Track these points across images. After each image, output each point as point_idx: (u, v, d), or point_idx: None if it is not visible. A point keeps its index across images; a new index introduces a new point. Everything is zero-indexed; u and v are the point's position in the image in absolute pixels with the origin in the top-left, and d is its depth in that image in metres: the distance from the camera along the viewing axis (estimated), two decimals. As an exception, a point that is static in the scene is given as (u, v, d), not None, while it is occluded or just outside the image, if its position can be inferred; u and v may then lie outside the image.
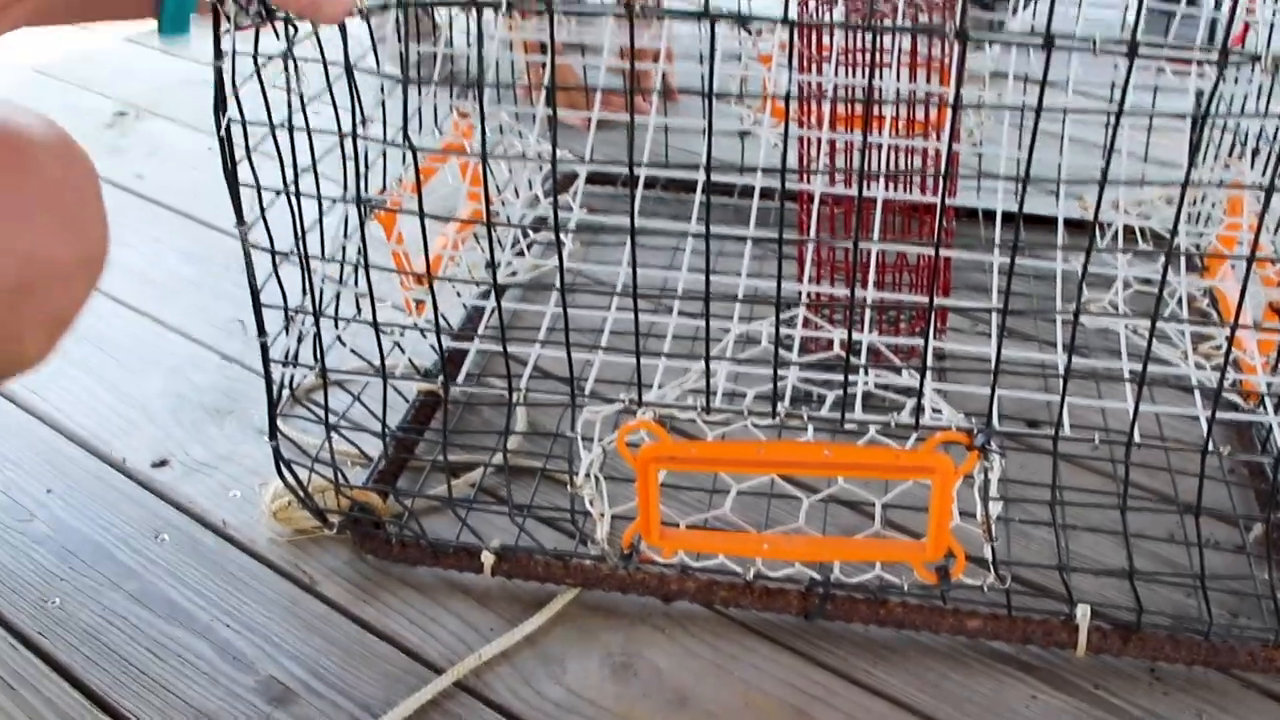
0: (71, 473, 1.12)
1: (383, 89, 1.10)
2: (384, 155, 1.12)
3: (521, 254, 1.33)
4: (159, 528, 1.06)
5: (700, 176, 0.85)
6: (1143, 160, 1.38)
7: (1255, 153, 1.25)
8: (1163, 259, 0.82)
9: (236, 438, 1.17)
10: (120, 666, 0.93)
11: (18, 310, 0.71)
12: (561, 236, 0.93)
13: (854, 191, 1.10)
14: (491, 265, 0.84)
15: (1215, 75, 0.77)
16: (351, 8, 0.79)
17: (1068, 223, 1.17)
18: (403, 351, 1.12)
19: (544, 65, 1.59)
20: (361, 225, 0.94)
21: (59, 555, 1.03)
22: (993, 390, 0.87)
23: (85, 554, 1.03)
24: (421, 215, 0.87)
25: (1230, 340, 0.82)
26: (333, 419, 1.03)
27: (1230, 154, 1.30)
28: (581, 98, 1.73)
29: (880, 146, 1.12)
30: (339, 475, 1.00)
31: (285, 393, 1.01)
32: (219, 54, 0.83)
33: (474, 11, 1.26)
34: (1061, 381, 0.87)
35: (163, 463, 1.14)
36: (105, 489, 1.11)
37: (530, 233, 1.38)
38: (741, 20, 0.81)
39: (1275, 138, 0.86)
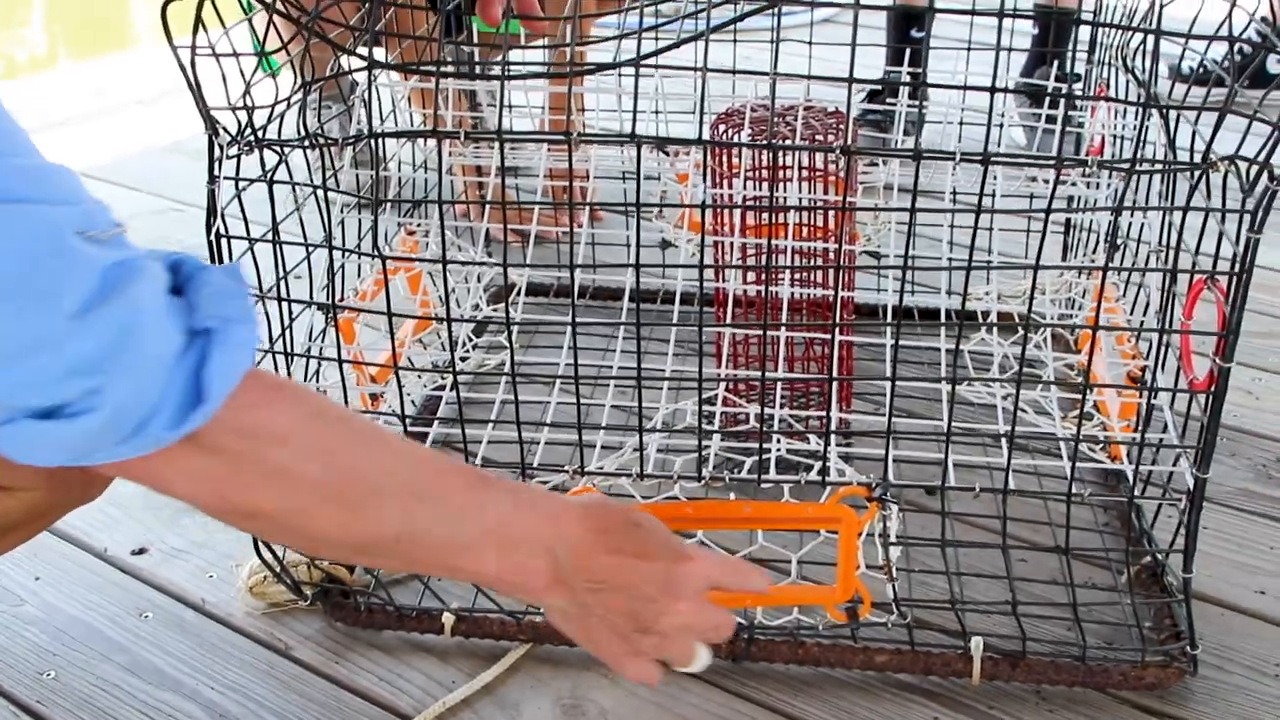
0: (57, 562, 1.22)
1: (343, 209, 1.24)
2: (343, 270, 1.25)
3: (466, 357, 1.46)
4: (143, 607, 1.16)
5: (629, 278, 0.99)
6: (1028, 263, 1.55)
7: (1117, 247, 1.42)
8: (1024, 331, 0.97)
9: (210, 527, 1.27)
10: (116, 727, 1.02)
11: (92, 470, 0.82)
12: (508, 332, 1.06)
13: (762, 287, 1.25)
14: (451, 351, 0.97)
15: (1060, 178, 0.93)
16: None
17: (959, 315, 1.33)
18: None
19: (479, 185, 1.74)
20: (337, 323, 1.07)
21: (50, 634, 1.12)
22: (886, 449, 1.01)
23: (75, 631, 1.13)
24: (389, 311, 1.00)
25: (1084, 391, 0.97)
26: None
27: (1094, 250, 1.48)
28: (514, 216, 1.88)
29: (785, 250, 1.28)
30: (311, 550, 1.11)
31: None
32: (212, 179, 0.97)
33: (421, 141, 1.41)
34: (945, 441, 1.02)
35: (142, 550, 1.24)
36: (90, 575, 1.20)
37: (473, 336, 1.51)
38: (660, 144, 0.96)
39: (1111, 229, 1.02)
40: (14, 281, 0.59)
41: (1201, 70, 1.79)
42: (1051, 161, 0.91)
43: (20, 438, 0.63)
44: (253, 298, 0.72)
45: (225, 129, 0.97)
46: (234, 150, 0.98)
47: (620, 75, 1.37)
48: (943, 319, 1.25)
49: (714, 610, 0.83)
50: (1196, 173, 0.92)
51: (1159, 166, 1.00)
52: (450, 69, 1.32)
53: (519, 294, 1.41)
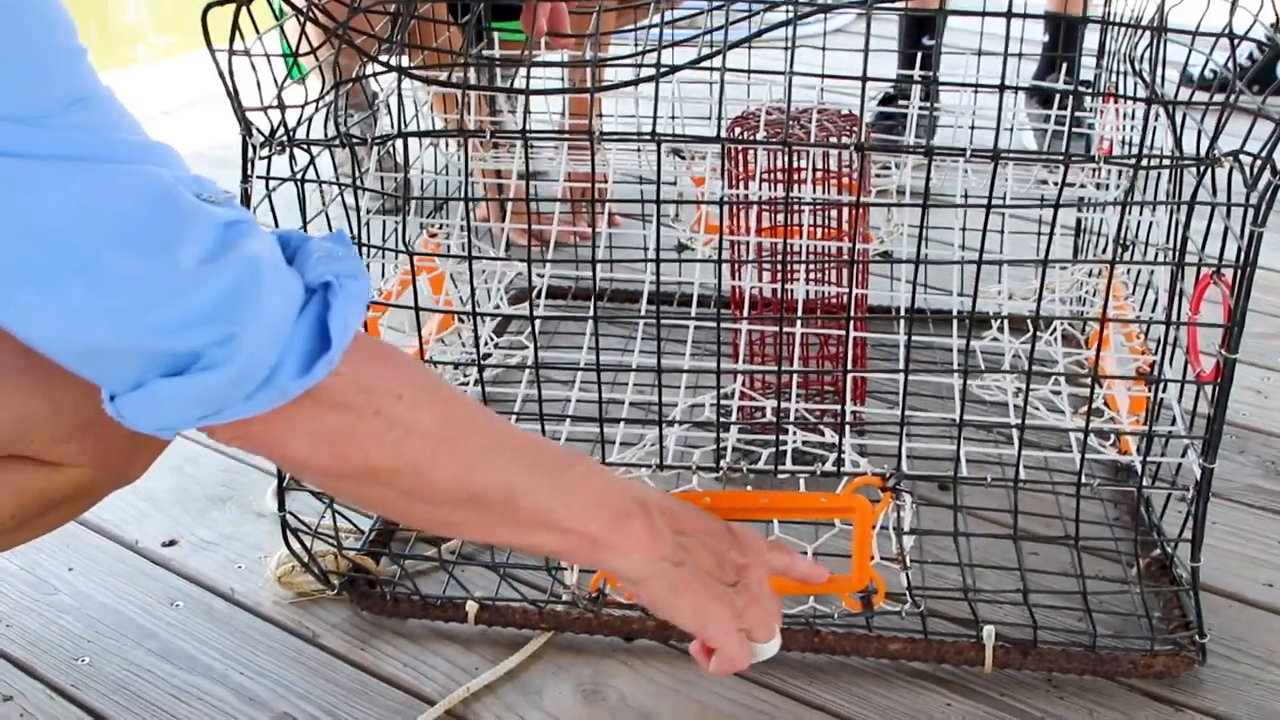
0: (90, 553, 1.25)
1: (367, 212, 1.27)
2: (368, 270, 1.28)
3: (488, 354, 1.49)
4: (173, 596, 1.19)
5: (646, 279, 1.02)
6: (1036, 259, 1.58)
7: (1124, 247, 1.45)
8: (1034, 325, 1.00)
9: (237, 520, 1.30)
10: (150, 710, 1.05)
11: (137, 447, 0.84)
12: (531, 326, 1.09)
13: (778, 285, 1.28)
14: (477, 343, 1.00)
15: (1069, 177, 0.96)
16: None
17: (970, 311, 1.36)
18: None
19: (499, 189, 1.78)
20: (365, 321, 1.09)
21: (84, 621, 1.15)
22: (900, 440, 1.04)
23: (108, 619, 1.16)
24: (416, 306, 1.03)
25: (1093, 385, 0.99)
26: (326, 498, 1.16)
27: (1104, 252, 1.50)
28: (534, 220, 1.91)
29: (800, 250, 1.31)
30: (339, 542, 1.14)
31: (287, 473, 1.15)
32: (245, 178, 1.00)
33: (443, 146, 1.44)
34: (957, 433, 1.04)
35: (172, 543, 1.27)
36: (121, 566, 1.23)
37: (495, 335, 1.54)
38: (679, 142, 0.99)
39: (1119, 226, 1.04)
40: (139, 233, 0.62)
41: (1210, 75, 1.82)
42: (1059, 159, 0.94)
43: (151, 400, 0.65)
44: (361, 261, 0.74)
45: (259, 130, 1.00)
46: (266, 150, 1.01)
47: (639, 80, 1.39)
48: (955, 315, 1.28)
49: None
50: (1201, 168, 0.94)
51: (1163, 161, 1.02)
52: (474, 78, 1.36)
53: (539, 296, 1.44)
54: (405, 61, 1.41)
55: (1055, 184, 1.46)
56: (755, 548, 0.90)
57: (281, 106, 0.99)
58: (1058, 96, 1.52)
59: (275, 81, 0.98)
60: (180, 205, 0.64)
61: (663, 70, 0.91)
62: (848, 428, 1.07)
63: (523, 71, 1.26)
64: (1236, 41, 0.93)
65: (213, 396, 0.66)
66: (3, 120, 0.59)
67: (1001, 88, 0.88)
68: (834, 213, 1.29)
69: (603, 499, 0.82)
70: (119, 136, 0.64)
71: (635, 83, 0.95)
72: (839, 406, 1.12)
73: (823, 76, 1.00)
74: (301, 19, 0.98)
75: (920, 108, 1.49)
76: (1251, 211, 0.91)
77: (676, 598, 0.84)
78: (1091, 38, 1.65)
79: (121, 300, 0.62)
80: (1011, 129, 1.72)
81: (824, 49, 1.53)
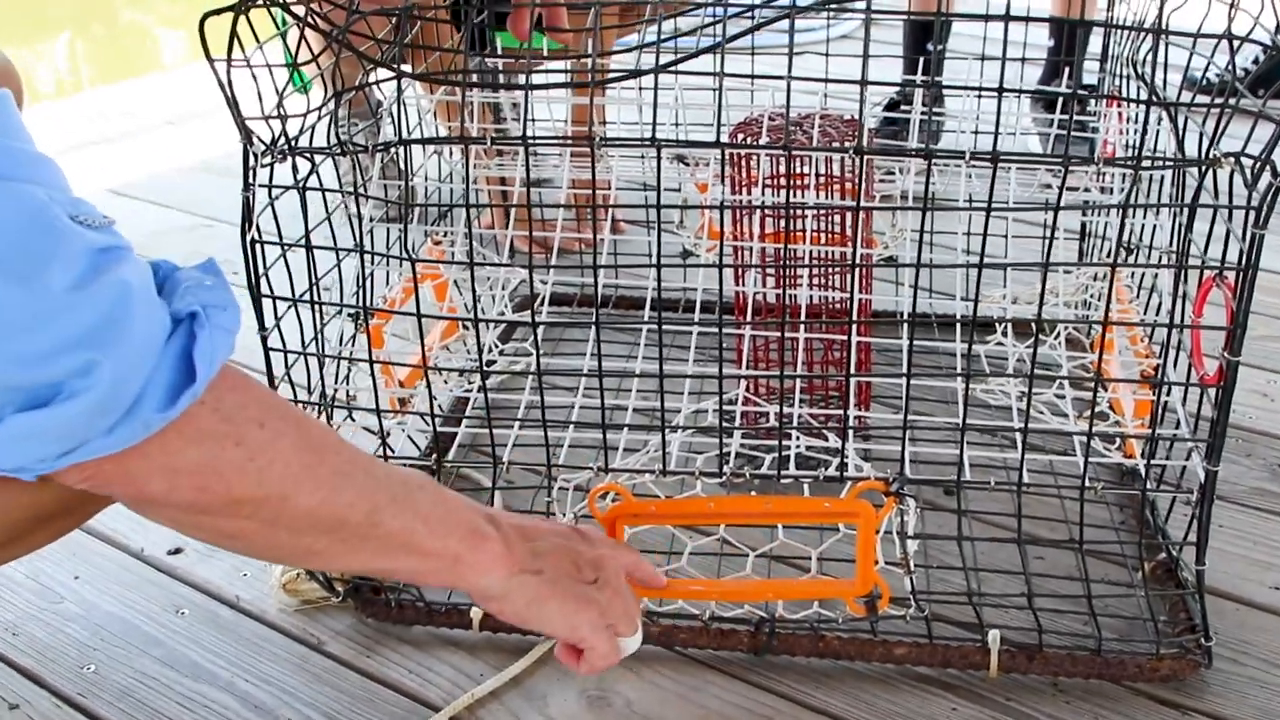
0: (95, 561, 1.25)
1: (371, 220, 1.27)
2: (371, 278, 1.28)
3: (492, 361, 1.49)
4: (179, 604, 1.19)
5: (650, 286, 1.02)
6: (1039, 262, 1.58)
7: (1128, 250, 1.44)
8: (1036, 328, 1.00)
9: (243, 527, 1.30)
10: (156, 718, 1.05)
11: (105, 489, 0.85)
12: (534, 334, 1.09)
13: (781, 291, 1.28)
14: (479, 350, 1.00)
15: (1067, 178, 0.96)
16: None
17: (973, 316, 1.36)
18: (403, 431, 1.27)
19: (503, 196, 1.78)
20: (368, 325, 1.10)
21: (90, 629, 1.16)
22: (903, 444, 1.04)
23: (114, 627, 1.16)
24: (419, 313, 1.03)
25: (1096, 387, 0.99)
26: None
27: (1107, 256, 1.50)
28: (537, 227, 1.92)
29: (802, 255, 1.31)
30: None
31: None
32: (246, 185, 1.00)
33: (446, 153, 1.45)
34: (960, 437, 1.04)
35: (177, 550, 1.27)
36: (127, 574, 1.23)
37: (499, 343, 1.54)
38: (681, 147, 0.99)
39: (1120, 228, 1.04)
40: (8, 256, 0.60)
41: (1214, 78, 1.81)
42: (1058, 161, 0.94)
43: (7, 437, 0.62)
44: (232, 290, 0.73)
45: (260, 138, 1.00)
46: (268, 159, 1.01)
47: (640, 87, 1.40)
48: (958, 319, 1.28)
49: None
50: (1202, 170, 0.94)
51: (1165, 163, 1.02)
52: (475, 81, 1.36)
53: (543, 302, 1.44)
54: (406, 68, 1.41)
55: (1059, 188, 1.46)
56: (604, 542, 0.92)
57: (283, 115, 0.99)
58: (1061, 101, 1.51)
59: (276, 90, 0.99)
60: (53, 227, 0.62)
61: (660, 66, 0.91)
62: (851, 432, 1.07)
63: (522, 77, 1.27)
64: (1237, 44, 0.92)
65: (73, 429, 0.63)
66: None
67: (1000, 91, 0.88)
68: (837, 218, 1.29)
69: (457, 518, 0.83)
70: (5, 142, 0.62)
71: (634, 74, 0.95)
72: (842, 411, 1.12)
73: (824, 81, 1.00)
74: (301, 26, 0.99)
75: (923, 113, 1.49)
76: (1253, 214, 0.91)
77: (542, 606, 0.86)
78: (1095, 42, 1.65)
79: None
80: (1016, 133, 1.72)
81: (827, 55, 1.53)
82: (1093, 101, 1.56)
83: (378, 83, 1.16)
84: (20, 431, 0.62)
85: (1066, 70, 1.92)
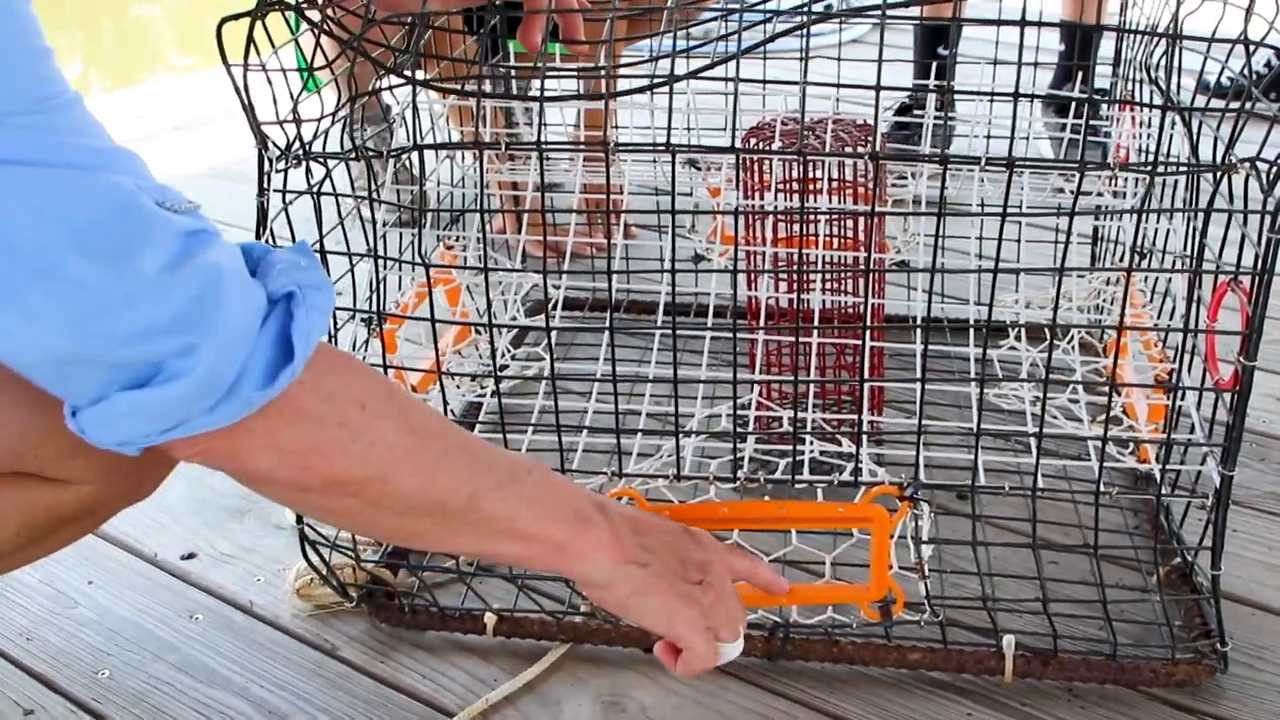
0: (109, 566, 1.25)
1: (383, 225, 1.27)
2: (383, 283, 1.28)
3: (505, 366, 1.50)
4: (193, 609, 1.19)
5: (662, 291, 1.02)
6: (1053, 267, 1.58)
7: (1141, 255, 1.44)
8: (1051, 333, 0.99)
9: (257, 532, 1.30)
10: (169, 723, 1.05)
11: (145, 462, 0.84)
12: (548, 338, 1.09)
13: (794, 295, 1.28)
14: (493, 354, 1.00)
15: (1083, 183, 0.96)
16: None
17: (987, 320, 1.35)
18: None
19: (515, 201, 1.78)
20: (382, 332, 1.10)
21: (104, 635, 1.16)
22: (918, 448, 1.04)
23: (128, 632, 1.16)
24: (433, 318, 1.03)
25: (1110, 392, 0.99)
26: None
27: (1121, 261, 1.50)
28: (550, 232, 1.92)
29: (815, 260, 1.31)
30: (358, 554, 1.14)
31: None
32: (261, 191, 1.01)
33: (459, 158, 1.45)
34: (974, 440, 1.04)
35: (191, 555, 1.27)
36: (141, 579, 1.24)
37: (511, 348, 1.55)
38: (694, 152, 0.99)
39: (1135, 234, 1.04)
40: (100, 240, 0.62)
41: (1227, 82, 1.81)
42: (1074, 166, 0.94)
43: (112, 413, 0.65)
44: (325, 271, 0.74)
45: (274, 143, 1.00)
46: (283, 164, 1.01)
47: (653, 93, 1.40)
48: (972, 324, 1.28)
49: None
50: (1217, 175, 0.94)
51: (1180, 168, 1.02)
52: (489, 89, 1.36)
53: (555, 307, 1.44)
54: (421, 74, 1.41)
55: (1070, 192, 1.46)
56: (715, 546, 0.90)
57: (297, 120, 0.99)
58: (1074, 105, 1.51)
59: (291, 95, 0.99)
60: (142, 213, 0.63)
61: (676, 76, 0.91)
62: (865, 437, 1.06)
63: (536, 83, 1.27)
64: (1252, 48, 0.92)
65: (175, 409, 0.65)
66: None
67: (1016, 96, 0.88)
68: (850, 222, 1.29)
69: (564, 504, 0.82)
70: (82, 141, 0.63)
71: (650, 88, 0.95)
72: (856, 416, 1.12)
73: (837, 86, 1.00)
74: (316, 32, 0.99)
75: (935, 117, 1.49)
76: (1268, 218, 0.91)
77: (644, 599, 0.84)
78: (1107, 46, 1.65)
79: (81, 306, 0.61)
80: (1028, 138, 1.72)
81: (839, 59, 1.53)
82: (1104, 106, 1.56)
83: (391, 88, 1.16)
84: (125, 409, 0.64)
85: (1079, 75, 1.92)
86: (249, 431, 0.69)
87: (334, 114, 1.06)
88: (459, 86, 1.14)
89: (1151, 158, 1.37)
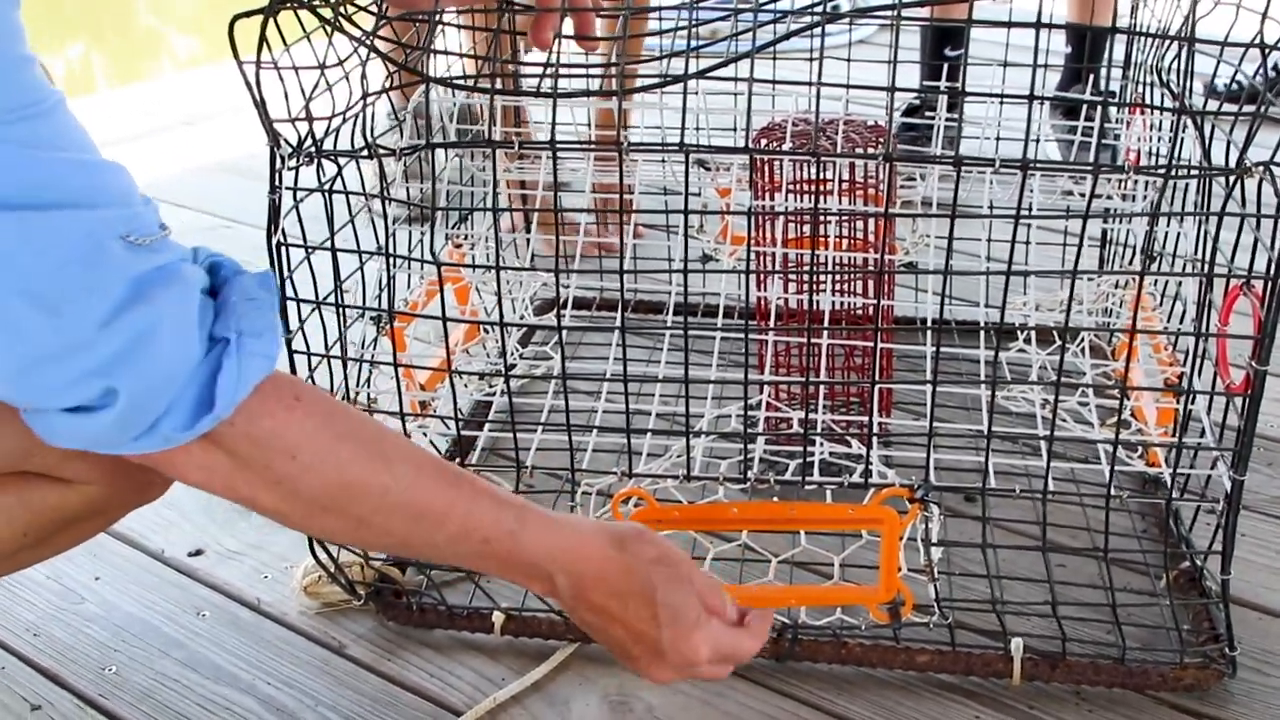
0: (116, 563, 1.25)
1: (393, 222, 1.27)
2: (393, 281, 1.28)
3: (513, 364, 1.49)
4: (199, 606, 1.19)
5: (672, 290, 1.01)
6: (1067, 270, 1.57)
7: (1152, 258, 1.44)
8: (1064, 336, 0.99)
9: (263, 530, 1.30)
10: (177, 720, 1.05)
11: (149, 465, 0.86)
12: (559, 335, 1.09)
13: (805, 296, 1.28)
14: (504, 352, 1.00)
15: (1097, 186, 0.96)
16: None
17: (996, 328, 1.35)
18: (424, 434, 1.27)
19: (524, 200, 1.78)
20: (392, 330, 1.10)
21: (111, 631, 1.16)
22: (928, 451, 1.04)
23: (135, 629, 1.16)
24: (444, 316, 1.03)
25: (1121, 396, 0.99)
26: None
27: (1130, 263, 1.50)
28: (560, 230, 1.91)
29: (826, 260, 1.30)
30: (366, 552, 1.14)
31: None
32: (273, 189, 1.00)
33: (468, 157, 1.44)
34: (985, 444, 1.04)
35: (198, 552, 1.27)
36: (148, 575, 1.24)
37: (520, 346, 1.54)
38: (709, 153, 0.99)
39: (1147, 239, 1.04)
40: (48, 291, 0.64)
41: (1236, 86, 1.81)
42: (1089, 169, 0.94)
43: (51, 426, 0.70)
44: (276, 309, 0.76)
45: (286, 141, 1.00)
46: (295, 161, 1.01)
47: (663, 93, 1.40)
48: (982, 326, 1.28)
49: (709, 668, 0.85)
50: (1231, 179, 0.94)
51: (1194, 172, 1.02)
52: (501, 89, 1.36)
53: (565, 306, 1.44)
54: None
55: (1080, 195, 1.46)
56: (682, 659, 0.83)
57: (310, 118, 0.99)
58: (1084, 108, 1.51)
59: (303, 92, 0.99)
60: (95, 259, 0.65)
61: (689, 75, 0.90)
62: (874, 439, 1.06)
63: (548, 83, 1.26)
64: (1267, 52, 0.92)
65: (102, 436, 0.69)
66: None
67: (1031, 98, 0.88)
68: (860, 223, 1.28)
69: (506, 560, 0.81)
70: (64, 155, 0.64)
71: (662, 86, 0.95)
72: (865, 418, 1.12)
73: (849, 87, 1.00)
74: (329, 30, 0.99)
75: (950, 119, 1.49)
76: (1282, 223, 0.91)
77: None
78: (1117, 50, 1.64)
79: (20, 357, 0.65)
80: (1038, 140, 1.72)
81: (849, 60, 1.53)
82: (1113, 109, 1.55)
83: (403, 86, 1.15)
84: (64, 429, 0.70)
85: (1089, 77, 1.92)
86: (182, 451, 0.72)
87: (344, 112, 1.06)
88: (474, 84, 1.14)
89: (1160, 161, 1.37)
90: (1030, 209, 1.40)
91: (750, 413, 1.17)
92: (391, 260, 1.09)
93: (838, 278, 1.31)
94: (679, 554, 0.84)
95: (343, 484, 0.76)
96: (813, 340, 1.20)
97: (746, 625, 0.86)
